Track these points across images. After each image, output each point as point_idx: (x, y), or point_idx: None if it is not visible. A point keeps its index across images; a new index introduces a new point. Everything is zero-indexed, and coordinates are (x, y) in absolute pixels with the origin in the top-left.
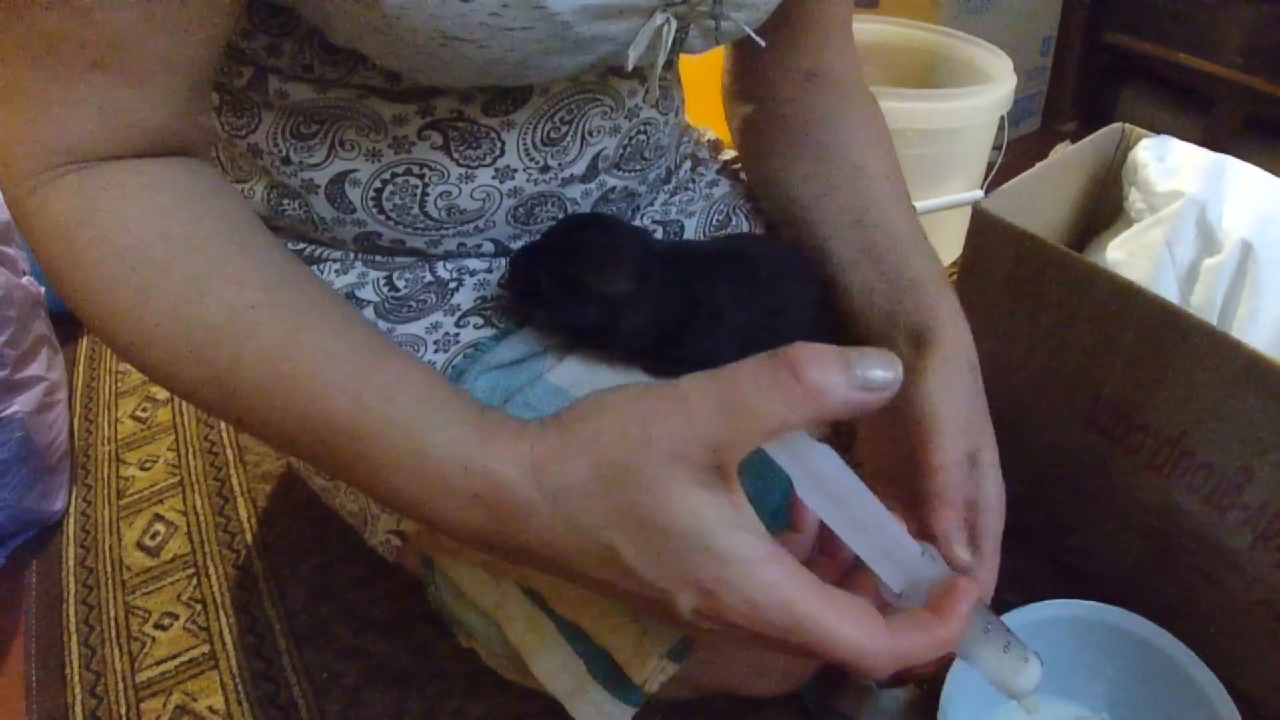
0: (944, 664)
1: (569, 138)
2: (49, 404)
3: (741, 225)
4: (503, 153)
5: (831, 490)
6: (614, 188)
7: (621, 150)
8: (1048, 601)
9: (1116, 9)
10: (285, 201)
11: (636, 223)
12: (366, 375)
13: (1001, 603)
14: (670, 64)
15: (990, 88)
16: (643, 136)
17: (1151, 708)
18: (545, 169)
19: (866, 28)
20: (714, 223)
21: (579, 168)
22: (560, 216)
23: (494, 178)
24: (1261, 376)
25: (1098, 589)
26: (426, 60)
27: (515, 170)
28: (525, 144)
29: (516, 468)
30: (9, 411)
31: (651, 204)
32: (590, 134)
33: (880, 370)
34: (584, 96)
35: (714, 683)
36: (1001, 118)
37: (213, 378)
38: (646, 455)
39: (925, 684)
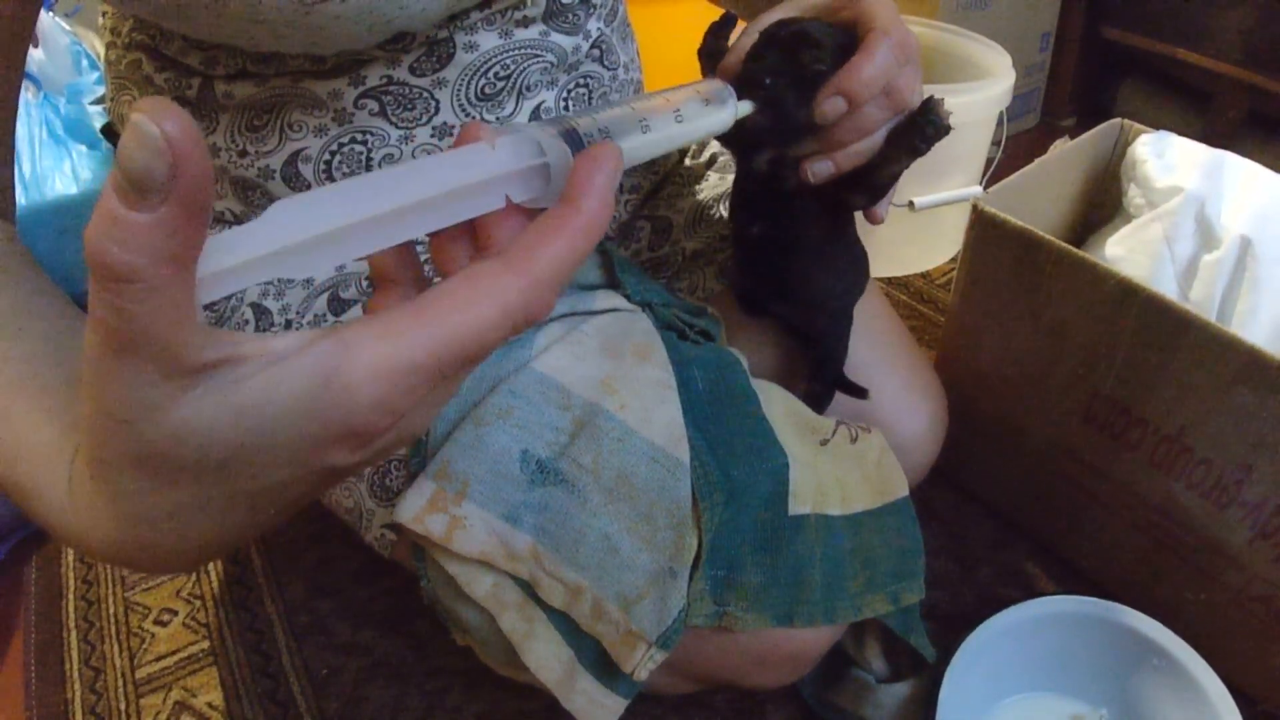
0: None
1: (504, 93)
2: None
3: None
4: (438, 111)
5: (354, 216)
6: None
7: (562, 104)
8: (1047, 597)
9: (1115, 5)
10: (248, 193)
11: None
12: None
13: (1002, 599)
14: (614, 14)
15: (989, 83)
16: (583, 89)
17: (1150, 703)
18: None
19: None
20: (702, 219)
21: (520, 121)
22: None
23: (432, 135)
24: (1260, 372)
25: (1097, 585)
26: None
27: (453, 126)
28: (460, 100)
29: None
30: None
31: (635, 189)
32: (528, 89)
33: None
34: (522, 53)
35: (714, 675)
36: (1000, 113)
37: None
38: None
39: (924, 678)
